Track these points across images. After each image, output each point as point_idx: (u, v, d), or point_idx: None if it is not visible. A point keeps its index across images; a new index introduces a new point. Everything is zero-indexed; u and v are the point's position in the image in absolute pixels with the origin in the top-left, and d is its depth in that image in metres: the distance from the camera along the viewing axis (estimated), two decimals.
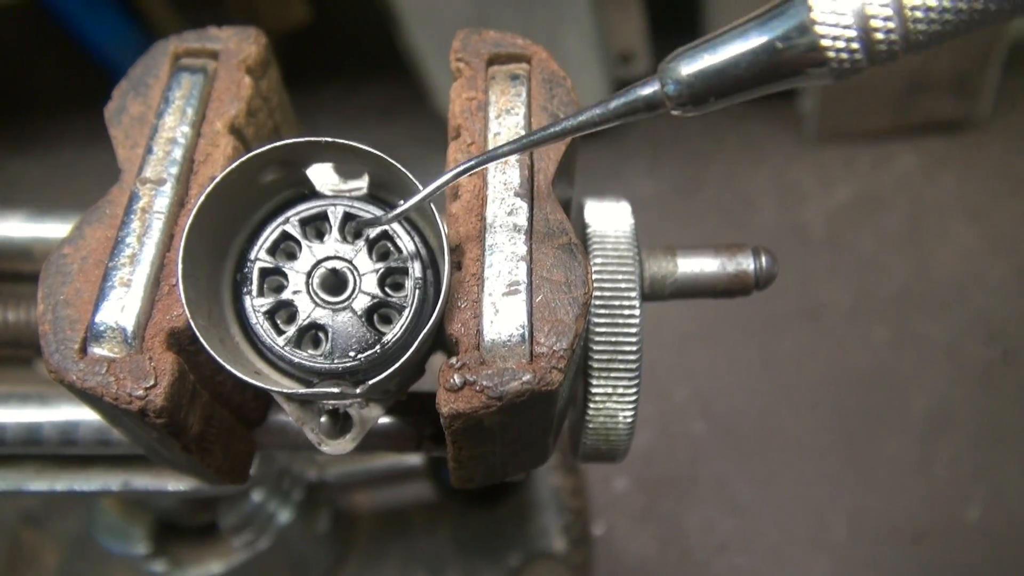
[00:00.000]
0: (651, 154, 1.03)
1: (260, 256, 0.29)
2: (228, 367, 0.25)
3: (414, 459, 0.64)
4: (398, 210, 0.28)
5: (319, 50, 1.09)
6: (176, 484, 0.39)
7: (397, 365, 0.26)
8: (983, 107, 0.96)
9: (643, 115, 0.26)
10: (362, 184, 0.31)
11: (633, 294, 0.33)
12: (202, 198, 0.26)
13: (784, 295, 0.90)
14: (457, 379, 0.26)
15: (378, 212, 0.30)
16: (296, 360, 0.28)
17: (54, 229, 0.40)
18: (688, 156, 1.03)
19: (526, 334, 0.27)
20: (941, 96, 0.95)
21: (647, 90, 0.26)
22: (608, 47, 0.98)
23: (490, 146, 0.31)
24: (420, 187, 0.27)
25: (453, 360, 0.27)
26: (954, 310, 0.88)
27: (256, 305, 0.29)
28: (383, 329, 0.29)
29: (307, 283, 0.29)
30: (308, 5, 1.08)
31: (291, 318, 0.29)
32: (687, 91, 0.25)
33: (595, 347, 0.33)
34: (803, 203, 0.97)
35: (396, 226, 0.29)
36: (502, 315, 0.27)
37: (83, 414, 0.36)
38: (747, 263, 0.35)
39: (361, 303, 0.29)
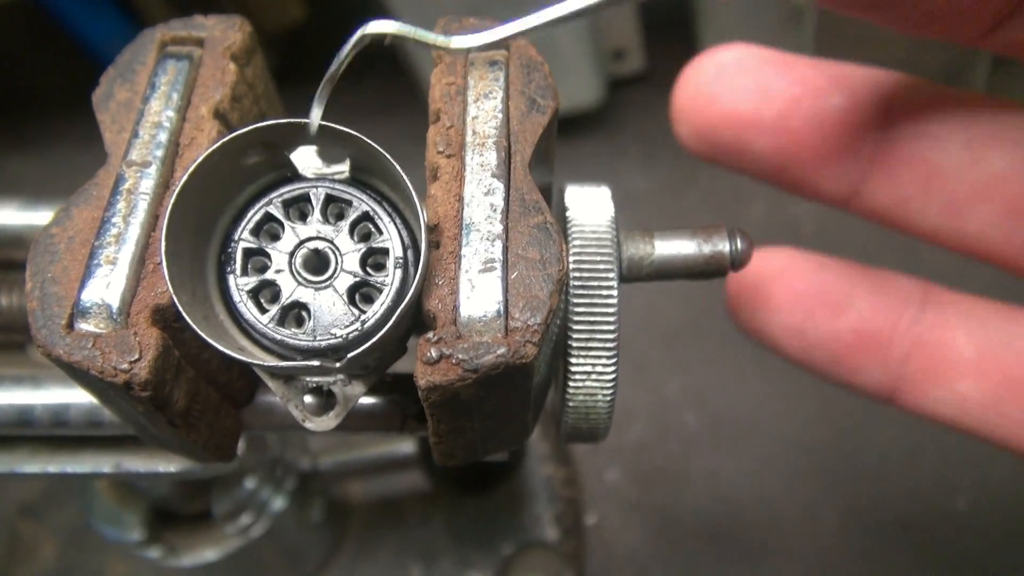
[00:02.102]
0: (644, 150, 1.04)
1: (244, 236, 0.30)
2: (211, 341, 0.26)
3: (407, 448, 0.65)
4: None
5: (314, 49, 1.10)
6: (167, 466, 0.39)
7: (375, 339, 0.27)
8: None
9: None
10: (344, 168, 0.31)
11: (611, 275, 0.34)
12: (185, 177, 0.27)
13: None
14: (434, 352, 0.27)
15: (359, 194, 0.30)
16: (279, 338, 0.29)
17: (46, 217, 0.41)
18: (680, 152, 1.04)
19: (501, 309, 0.28)
20: None
21: None
22: (601, 43, 0.99)
23: (469, 129, 0.31)
24: (397, 167, 0.28)
25: (430, 335, 0.28)
26: None
27: (240, 284, 0.29)
28: (365, 308, 0.29)
29: (290, 263, 0.30)
30: (303, 5, 1.09)
31: (274, 297, 0.29)
32: None
33: (574, 327, 0.34)
34: (794, 198, 0.98)
35: (377, 208, 0.30)
36: (478, 291, 0.28)
37: (74, 396, 0.36)
38: (722, 244, 0.35)
39: (343, 282, 0.29)
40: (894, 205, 0.39)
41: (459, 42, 0.32)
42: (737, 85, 0.38)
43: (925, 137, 0.38)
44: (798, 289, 0.41)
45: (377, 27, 0.30)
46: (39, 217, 0.41)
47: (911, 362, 0.40)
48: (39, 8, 0.96)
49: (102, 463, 0.39)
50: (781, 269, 0.42)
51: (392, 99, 1.02)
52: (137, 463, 0.39)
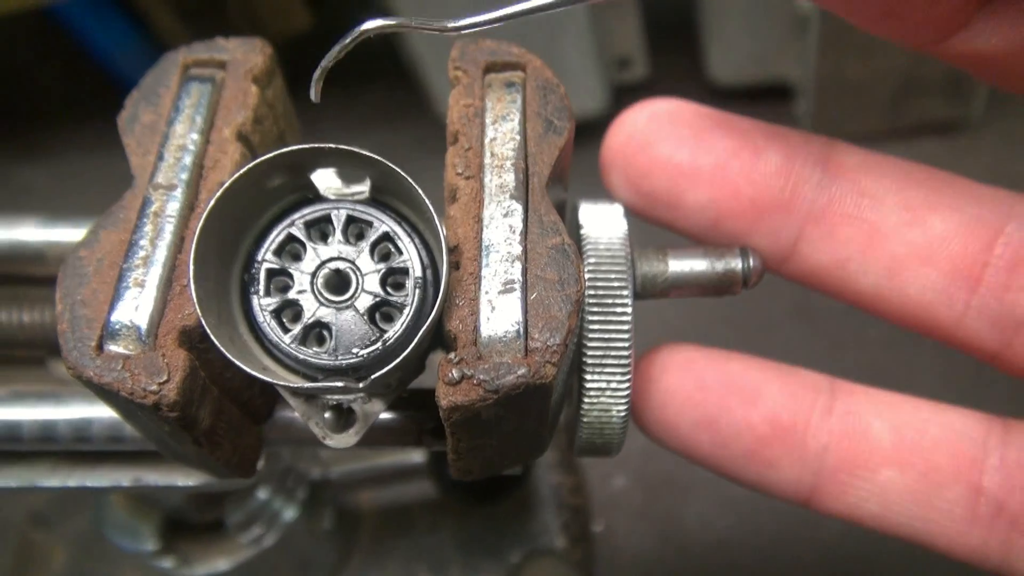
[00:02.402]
0: None
1: (267, 257, 0.30)
2: (237, 363, 0.27)
3: (416, 458, 0.65)
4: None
5: (320, 57, 1.10)
6: (185, 480, 0.40)
7: (398, 360, 0.28)
8: (975, 109, 0.98)
9: None
10: (364, 188, 0.32)
11: (625, 292, 0.35)
12: (212, 202, 0.27)
13: (778, 295, 0.91)
14: (455, 373, 0.28)
15: (379, 215, 0.31)
16: (302, 357, 0.29)
17: (66, 234, 0.41)
18: None
19: (521, 330, 0.28)
20: (934, 98, 0.96)
21: None
22: (606, 52, 0.99)
23: (487, 151, 0.32)
24: (419, 190, 0.28)
25: (451, 355, 0.28)
26: None
27: (263, 304, 0.30)
28: (385, 327, 0.30)
29: (312, 283, 0.30)
30: (309, 13, 1.10)
31: (296, 317, 0.30)
32: None
33: (589, 343, 0.34)
34: None
35: (397, 228, 0.31)
36: (498, 312, 0.28)
37: (97, 412, 0.37)
38: (735, 263, 0.36)
39: (364, 302, 0.30)
40: (832, 266, 0.38)
41: (454, 24, 0.32)
42: (673, 133, 0.37)
43: (863, 197, 0.37)
44: (707, 380, 0.39)
45: (376, 24, 0.31)
46: (58, 234, 0.41)
47: (829, 454, 0.38)
48: (48, 19, 0.97)
49: (121, 477, 0.40)
50: (685, 362, 0.39)
51: (398, 107, 1.03)
52: (156, 477, 0.40)
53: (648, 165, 0.38)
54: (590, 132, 1.04)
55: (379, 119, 1.01)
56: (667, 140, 0.37)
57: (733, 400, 0.38)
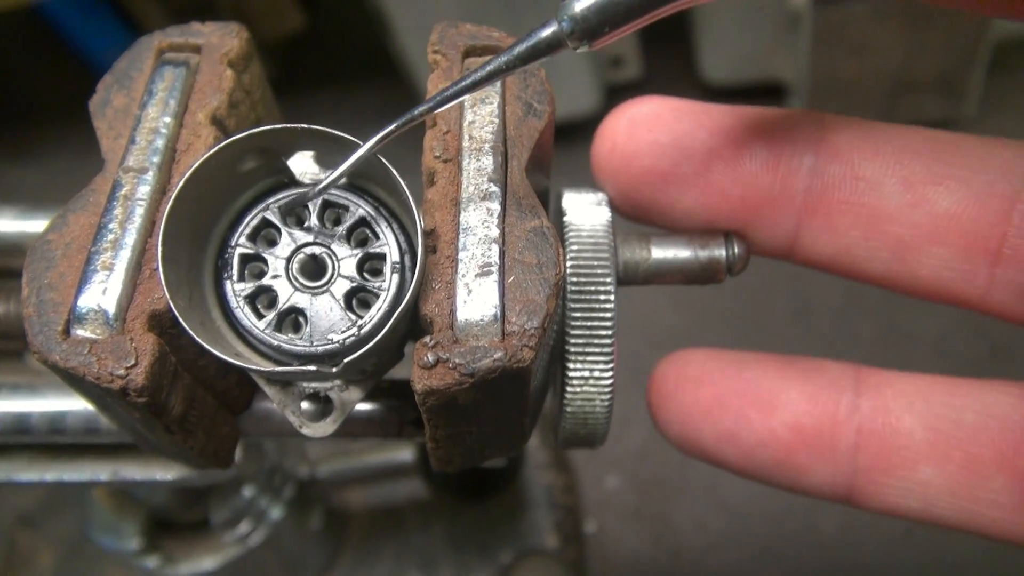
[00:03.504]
0: None
1: (241, 242, 0.30)
2: (207, 346, 0.26)
3: (406, 456, 0.64)
4: (324, 183, 0.28)
5: (313, 57, 1.10)
6: (164, 474, 0.39)
7: (371, 344, 0.27)
8: (968, 108, 0.97)
9: (546, 55, 0.28)
10: None
11: (608, 280, 0.34)
12: (181, 183, 0.27)
13: (773, 295, 0.90)
14: (430, 357, 0.27)
15: (356, 199, 0.30)
16: (276, 343, 0.29)
17: (43, 225, 0.40)
18: None
19: (498, 314, 0.28)
20: (927, 97, 0.96)
21: (546, 31, 0.28)
22: (598, 52, 0.99)
23: (465, 134, 0.31)
24: (393, 171, 0.28)
25: (427, 339, 0.28)
26: (941, 307, 0.89)
27: (237, 290, 0.29)
28: (361, 313, 0.29)
29: (287, 268, 0.30)
30: (302, 14, 1.10)
31: (271, 303, 0.29)
32: (582, 25, 0.27)
33: (572, 332, 0.34)
34: None
35: (374, 213, 0.30)
36: (475, 296, 0.28)
37: (71, 404, 0.36)
38: (719, 250, 0.35)
39: (340, 288, 0.29)
40: (838, 253, 0.36)
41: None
42: (653, 141, 0.36)
43: (858, 181, 0.35)
44: (723, 391, 0.37)
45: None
46: (37, 225, 0.41)
47: (861, 454, 0.37)
48: (38, 18, 0.96)
49: (99, 471, 0.39)
50: (699, 373, 0.38)
51: (390, 104, 1.03)
52: (135, 471, 0.39)
53: (632, 178, 0.37)
54: (583, 132, 1.04)
55: (372, 117, 1.01)
56: (648, 150, 0.36)
57: (752, 411, 0.37)
